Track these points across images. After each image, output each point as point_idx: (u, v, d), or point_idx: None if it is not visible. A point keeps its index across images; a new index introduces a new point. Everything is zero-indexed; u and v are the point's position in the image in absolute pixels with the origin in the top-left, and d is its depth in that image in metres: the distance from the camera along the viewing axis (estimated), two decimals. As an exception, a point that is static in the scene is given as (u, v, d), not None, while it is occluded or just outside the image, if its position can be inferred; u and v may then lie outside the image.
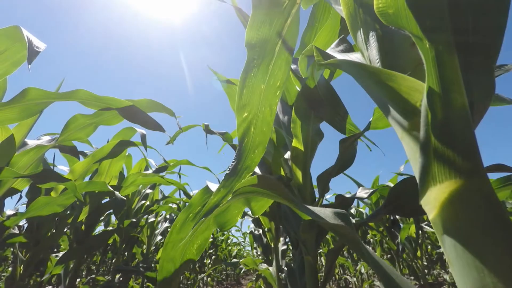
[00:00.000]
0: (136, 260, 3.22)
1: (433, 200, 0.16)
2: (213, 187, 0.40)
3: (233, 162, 0.36)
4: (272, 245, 1.25)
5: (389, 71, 0.19)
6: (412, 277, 3.49)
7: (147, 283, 2.05)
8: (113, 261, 2.91)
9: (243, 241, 5.54)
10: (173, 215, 2.58)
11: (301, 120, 0.84)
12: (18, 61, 0.79)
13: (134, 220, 1.52)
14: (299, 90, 1.01)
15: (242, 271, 6.50)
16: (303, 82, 0.84)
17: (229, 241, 5.30)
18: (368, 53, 0.24)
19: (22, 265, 1.00)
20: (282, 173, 1.15)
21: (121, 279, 1.67)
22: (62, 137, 0.97)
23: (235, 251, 6.91)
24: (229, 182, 0.34)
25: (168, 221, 2.49)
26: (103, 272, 2.82)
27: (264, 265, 1.43)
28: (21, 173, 0.75)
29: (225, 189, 0.33)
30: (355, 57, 0.32)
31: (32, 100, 0.81)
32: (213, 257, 4.02)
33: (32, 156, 0.92)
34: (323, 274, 0.78)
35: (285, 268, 1.21)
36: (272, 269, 1.30)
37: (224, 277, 5.20)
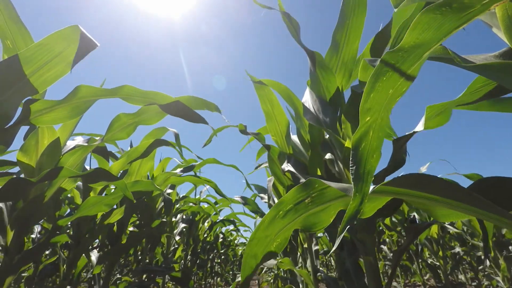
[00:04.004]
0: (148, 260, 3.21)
1: None
2: (332, 184, 0.40)
3: (351, 167, 0.37)
4: (306, 246, 1.26)
5: None
6: (425, 276, 3.49)
7: (167, 283, 2.05)
8: (125, 261, 2.91)
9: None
10: (189, 215, 2.58)
11: (351, 121, 0.84)
12: (71, 63, 0.79)
13: (164, 220, 1.52)
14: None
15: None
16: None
17: (236, 241, 5.31)
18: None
19: (64, 265, 1.01)
20: (319, 173, 1.15)
21: (146, 279, 1.68)
22: (107, 137, 0.97)
23: (240, 251, 6.92)
24: (360, 188, 0.34)
25: (184, 221, 2.49)
26: (119, 272, 2.82)
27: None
28: (78, 172, 0.76)
29: (359, 194, 0.34)
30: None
31: (82, 97, 0.81)
32: (222, 257, 4.03)
33: (79, 156, 0.92)
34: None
35: (321, 268, 1.22)
36: (305, 269, 1.31)
37: (232, 277, 5.21)
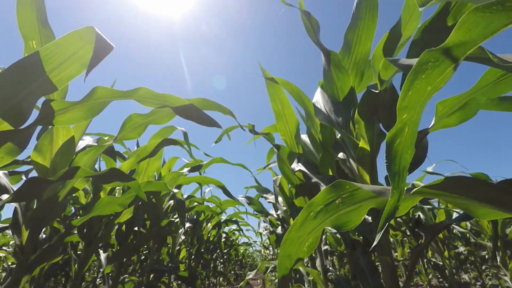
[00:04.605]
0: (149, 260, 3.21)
1: None
2: (364, 186, 0.40)
3: (386, 163, 0.37)
4: (315, 245, 1.26)
5: None
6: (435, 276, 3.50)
7: (173, 283, 2.05)
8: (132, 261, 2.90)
9: (254, 241, 5.56)
10: (193, 215, 2.58)
11: (365, 121, 0.84)
12: (86, 63, 0.79)
13: (172, 219, 1.52)
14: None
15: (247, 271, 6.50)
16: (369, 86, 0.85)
17: (237, 240, 5.31)
18: None
19: (76, 264, 1.00)
20: (330, 172, 1.15)
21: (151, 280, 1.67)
22: (119, 136, 0.97)
23: (242, 250, 6.92)
24: (397, 184, 0.34)
25: (189, 221, 2.49)
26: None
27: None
28: (93, 172, 0.76)
29: (397, 191, 0.34)
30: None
31: (98, 99, 0.81)
32: (225, 257, 4.02)
33: (91, 156, 0.92)
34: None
35: (331, 268, 1.22)
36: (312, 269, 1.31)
37: (234, 276, 5.21)
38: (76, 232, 1.38)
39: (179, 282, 2.49)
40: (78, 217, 1.49)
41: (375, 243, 0.35)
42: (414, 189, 0.37)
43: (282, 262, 0.48)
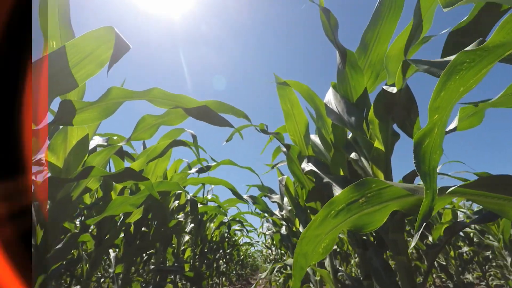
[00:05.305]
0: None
1: None
2: (397, 184, 0.40)
3: (415, 163, 0.37)
4: (324, 245, 1.26)
5: None
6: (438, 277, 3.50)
7: (178, 283, 2.05)
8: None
9: (256, 241, 5.56)
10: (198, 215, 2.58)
11: (380, 121, 0.85)
12: (101, 63, 0.79)
13: (181, 220, 1.52)
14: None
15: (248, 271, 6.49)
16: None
17: (240, 240, 5.31)
18: None
19: (87, 264, 1.00)
20: (341, 173, 1.16)
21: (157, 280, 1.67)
22: (133, 136, 0.97)
23: (243, 250, 6.93)
24: (429, 184, 0.34)
25: (192, 221, 2.49)
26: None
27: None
28: (108, 172, 0.76)
29: (430, 191, 0.34)
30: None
31: (112, 99, 0.81)
32: (227, 257, 4.02)
33: (104, 156, 0.92)
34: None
35: (340, 268, 1.22)
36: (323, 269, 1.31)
37: (236, 276, 5.21)
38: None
39: (184, 282, 2.49)
40: (83, 217, 1.50)
41: (412, 244, 0.35)
42: (450, 189, 0.37)
43: (297, 260, 0.48)
